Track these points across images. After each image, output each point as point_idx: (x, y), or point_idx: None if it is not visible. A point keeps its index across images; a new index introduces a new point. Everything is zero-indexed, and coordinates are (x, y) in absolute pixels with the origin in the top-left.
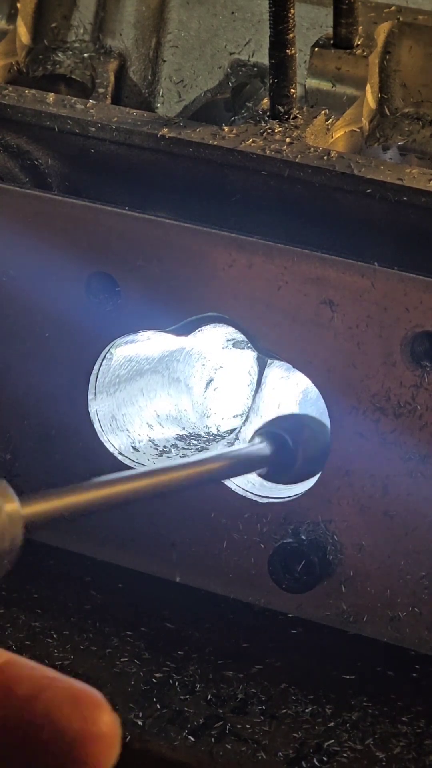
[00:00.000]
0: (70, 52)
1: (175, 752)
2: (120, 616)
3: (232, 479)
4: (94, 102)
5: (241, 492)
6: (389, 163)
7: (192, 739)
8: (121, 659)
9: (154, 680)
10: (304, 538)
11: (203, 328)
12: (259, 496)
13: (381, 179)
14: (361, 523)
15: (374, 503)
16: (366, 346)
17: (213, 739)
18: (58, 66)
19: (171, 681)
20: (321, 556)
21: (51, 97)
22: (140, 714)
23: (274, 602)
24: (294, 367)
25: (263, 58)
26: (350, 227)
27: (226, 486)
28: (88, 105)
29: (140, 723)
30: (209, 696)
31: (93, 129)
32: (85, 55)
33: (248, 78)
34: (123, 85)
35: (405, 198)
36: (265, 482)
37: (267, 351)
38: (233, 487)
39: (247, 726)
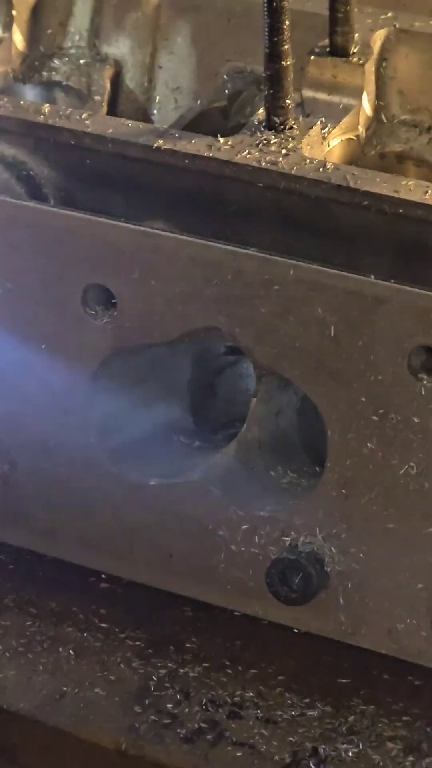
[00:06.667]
0: (66, 59)
1: (171, 757)
2: (116, 622)
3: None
4: (90, 113)
5: (239, 504)
6: (385, 175)
7: (187, 744)
8: (118, 665)
9: (149, 685)
10: (301, 550)
11: (200, 338)
12: (258, 508)
13: (377, 192)
14: (359, 535)
15: (373, 515)
16: (363, 358)
17: (208, 744)
18: (54, 73)
19: (166, 686)
20: (319, 569)
21: (47, 107)
22: (135, 719)
23: (272, 614)
24: (291, 380)
25: (260, 65)
26: (346, 239)
27: (225, 498)
28: (83, 116)
29: (135, 728)
30: (204, 701)
31: (88, 140)
32: (81, 61)
33: (245, 85)
34: (119, 91)
35: (401, 210)
36: (263, 494)
37: (263, 364)
38: (232, 499)
39: (243, 730)
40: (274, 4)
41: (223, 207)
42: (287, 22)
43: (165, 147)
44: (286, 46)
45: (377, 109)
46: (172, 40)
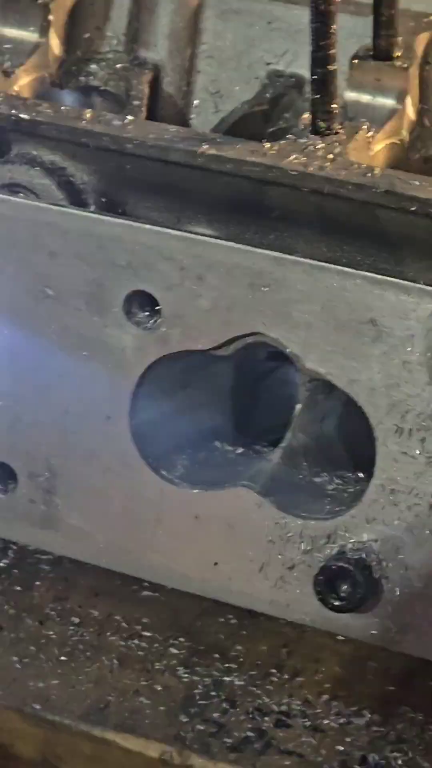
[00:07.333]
0: (104, 63)
1: (218, 766)
2: (159, 630)
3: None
4: (131, 118)
5: (284, 511)
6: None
7: (234, 753)
8: (162, 673)
9: (194, 694)
10: (349, 557)
11: (245, 345)
12: (304, 515)
13: (424, 196)
14: (407, 542)
15: (420, 521)
16: (410, 365)
17: (256, 753)
18: (91, 78)
19: (212, 694)
20: (367, 576)
21: (88, 113)
22: (181, 728)
23: (320, 622)
24: (338, 386)
25: (300, 69)
26: (392, 244)
27: (270, 505)
28: (124, 122)
29: (181, 737)
30: (251, 709)
31: (129, 146)
32: (119, 66)
33: (286, 89)
34: (158, 96)
35: None
36: (309, 501)
37: (310, 370)
38: (277, 506)
39: (291, 739)
40: (322, 7)
41: (267, 212)
42: (334, 27)
43: (209, 152)
44: (333, 51)
45: (421, 113)
46: (212, 43)
